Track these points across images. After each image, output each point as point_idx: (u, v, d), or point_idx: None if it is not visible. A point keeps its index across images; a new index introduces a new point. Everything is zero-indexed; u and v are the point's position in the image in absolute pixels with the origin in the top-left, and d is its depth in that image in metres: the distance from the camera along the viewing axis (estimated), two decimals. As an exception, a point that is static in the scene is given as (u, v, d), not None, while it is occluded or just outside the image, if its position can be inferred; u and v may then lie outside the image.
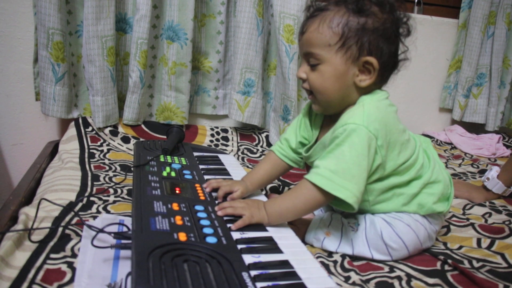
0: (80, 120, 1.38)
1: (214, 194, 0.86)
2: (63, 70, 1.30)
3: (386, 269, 0.77)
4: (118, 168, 1.14)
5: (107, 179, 1.05)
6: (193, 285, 0.53)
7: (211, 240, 0.65)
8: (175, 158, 1.08)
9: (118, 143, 1.35)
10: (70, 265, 0.65)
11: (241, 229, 0.72)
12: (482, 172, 1.44)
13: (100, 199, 0.91)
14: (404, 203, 0.80)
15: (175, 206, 0.75)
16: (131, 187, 0.98)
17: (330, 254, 0.81)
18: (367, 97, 0.77)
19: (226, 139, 1.52)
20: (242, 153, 1.46)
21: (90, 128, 1.35)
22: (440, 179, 0.82)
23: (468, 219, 1.02)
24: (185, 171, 0.98)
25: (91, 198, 0.91)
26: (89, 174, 1.06)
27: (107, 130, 1.36)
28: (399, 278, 0.73)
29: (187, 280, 0.54)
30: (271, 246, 0.69)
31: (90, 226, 0.71)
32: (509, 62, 1.81)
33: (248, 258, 0.63)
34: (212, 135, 1.51)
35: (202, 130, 1.53)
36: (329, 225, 0.83)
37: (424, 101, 1.89)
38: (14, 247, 0.68)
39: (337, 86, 0.77)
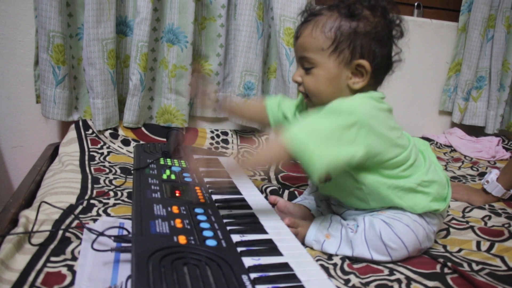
0: (81, 123, 1.38)
1: (214, 197, 0.86)
2: (64, 72, 1.31)
3: (386, 272, 0.77)
4: (118, 171, 1.14)
5: (107, 181, 1.05)
6: (193, 288, 0.53)
7: (211, 243, 0.66)
8: (175, 161, 1.09)
9: (118, 146, 1.35)
10: (70, 268, 0.65)
11: (241, 232, 0.73)
12: (482, 175, 1.44)
13: (100, 202, 0.91)
14: (399, 196, 0.80)
15: (175, 209, 0.76)
16: (131, 190, 0.98)
17: (329, 256, 0.81)
18: (359, 94, 0.78)
19: (226, 141, 1.52)
20: (242, 156, 1.46)
21: (90, 131, 1.36)
22: (435, 180, 0.83)
23: (467, 222, 1.02)
24: (185, 174, 0.98)
25: (91, 201, 0.91)
26: (89, 176, 1.06)
27: (107, 133, 1.37)
28: (398, 281, 0.74)
29: (187, 283, 0.54)
30: (270, 248, 0.69)
31: (90, 229, 0.71)
32: (509, 65, 1.82)
33: (248, 261, 0.63)
34: (212, 138, 1.52)
35: (202, 133, 1.53)
36: (328, 227, 0.83)
37: (424, 104, 1.89)
38: (14, 250, 0.68)
39: (330, 89, 0.78)
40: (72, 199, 0.92)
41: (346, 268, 0.77)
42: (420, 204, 0.81)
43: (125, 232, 0.73)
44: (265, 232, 0.75)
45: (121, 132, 1.40)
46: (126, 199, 0.95)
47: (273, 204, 0.92)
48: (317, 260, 0.78)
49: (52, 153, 1.31)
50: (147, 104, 1.48)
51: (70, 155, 1.20)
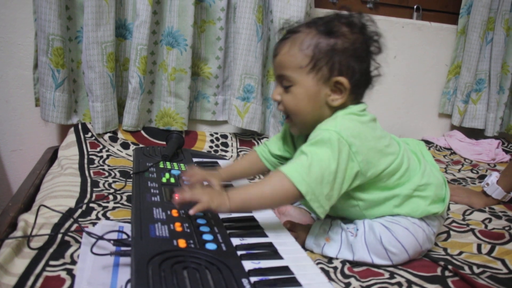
0: (80, 126, 1.38)
1: None
2: (63, 76, 1.31)
3: (387, 275, 0.76)
4: (118, 174, 1.14)
5: (106, 185, 1.05)
6: (193, 292, 0.53)
7: (211, 246, 0.65)
8: (175, 164, 1.08)
9: (118, 149, 1.35)
10: (70, 272, 0.65)
11: (241, 235, 0.72)
12: (482, 177, 1.44)
13: (99, 205, 0.91)
14: (396, 205, 0.80)
15: (174, 213, 0.75)
16: (130, 194, 0.98)
17: (330, 260, 0.81)
18: (340, 111, 0.78)
19: (225, 145, 1.52)
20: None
21: (89, 134, 1.35)
22: (431, 181, 0.82)
23: (468, 225, 1.02)
24: (184, 177, 0.97)
25: (91, 205, 0.90)
26: (89, 180, 1.06)
27: (106, 136, 1.36)
28: (399, 284, 0.73)
29: (187, 287, 0.54)
30: (271, 252, 0.69)
31: (89, 233, 0.70)
32: (508, 68, 1.82)
33: (248, 264, 0.63)
34: (212, 141, 1.51)
35: (201, 136, 1.53)
36: (328, 231, 0.83)
37: (424, 106, 1.89)
38: (13, 254, 0.67)
39: (310, 107, 0.78)
40: (71, 203, 0.91)
41: (346, 271, 0.76)
42: (418, 209, 0.81)
43: (124, 236, 0.73)
44: (265, 235, 0.75)
45: (120, 135, 1.40)
46: (125, 203, 0.95)
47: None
48: (318, 264, 0.78)
49: (51, 156, 1.31)
50: (146, 107, 1.48)
51: (69, 159, 1.20)
